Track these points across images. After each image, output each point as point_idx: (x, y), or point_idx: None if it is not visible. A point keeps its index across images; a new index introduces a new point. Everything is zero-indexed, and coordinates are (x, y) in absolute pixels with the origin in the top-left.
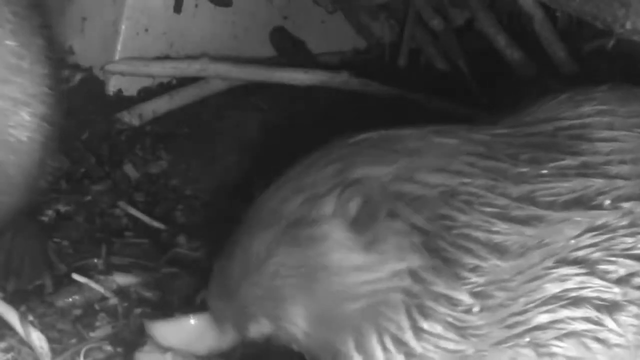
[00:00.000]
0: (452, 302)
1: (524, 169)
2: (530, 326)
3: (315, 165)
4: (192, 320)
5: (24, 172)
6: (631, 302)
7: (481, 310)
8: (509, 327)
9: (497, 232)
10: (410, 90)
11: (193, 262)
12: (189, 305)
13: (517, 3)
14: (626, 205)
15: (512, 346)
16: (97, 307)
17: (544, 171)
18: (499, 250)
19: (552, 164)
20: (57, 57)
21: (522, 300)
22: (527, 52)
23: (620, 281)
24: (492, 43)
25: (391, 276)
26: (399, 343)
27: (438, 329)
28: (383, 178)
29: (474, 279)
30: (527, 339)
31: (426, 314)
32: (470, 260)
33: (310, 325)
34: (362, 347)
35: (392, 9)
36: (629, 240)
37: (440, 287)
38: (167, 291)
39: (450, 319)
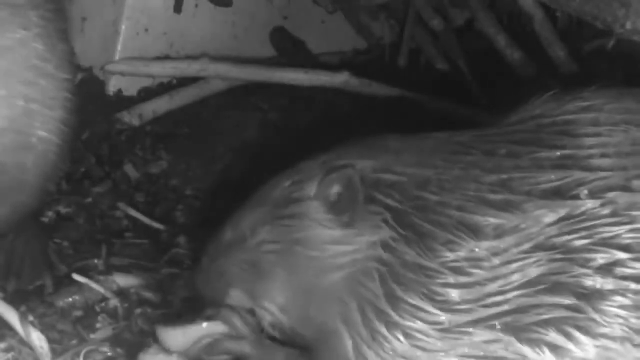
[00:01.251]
0: (426, 273)
1: (500, 162)
2: (508, 308)
3: (307, 158)
4: (204, 325)
5: (40, 174)
6: (614, 291)
7: (456, 285)
8: (487, 306)
9: (471, 212)
10: (410, 90)
11: (193, 263)
12: (189, 306)
13: (517, 3)
14: (608, 195)
15: (490, 326)
16: (97, 308)
17: (521, 163)
18: (473, 230)
19: (529, 156)
20: (76, 64)
21: (500, 281)
22: (527, 52)
23: (601, 269)
24: (492, 43)
25: (366, 247)
26: (378, 311)
27: (415, 299)
28: (363, 169)
29: (447, 253)
30: (507, 320)
31: (400, 282)
32: (443, 234)
33: (289, 300)
34: (345, 317)
35: (392, 9)
36: (611, 229)
37: (411, 256)
38: (168, 292)
39: (425, 290)
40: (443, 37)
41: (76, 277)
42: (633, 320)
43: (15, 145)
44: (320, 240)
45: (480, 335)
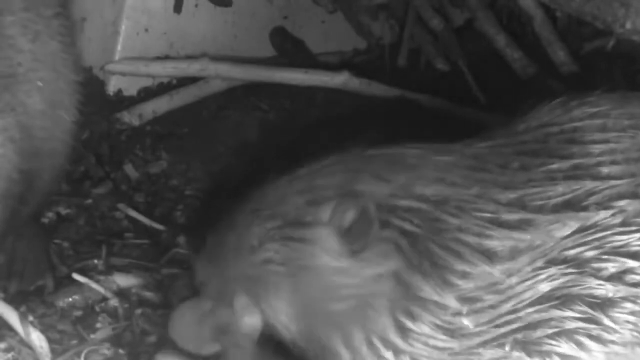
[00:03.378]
0: (440, 307)
1: (514, 177)
2: (520, 325)
3: (323, 172)
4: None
5: (55, 173)
6: (625, 298)
7: (469, 313)
8: (498, 326)
9: (489, 237)
10: (410, 90)
11: (193, 257)
12: None
13: (517, 3)
14: (618, 204)
15: (501, 344)
16: (97, 308)
17: (533, 176)
18: (489, 256)
19: (541, 169)
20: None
21: (513, 301)
22: (527, 52)
23: (613, 278)
24: (492, 43)
25: (372, 280)
26: (386, 342)
27: (425, 330)
28: (380, 194)
29: (463, 285)
30: (517, 337)
31: (413, 316)
32: (460, 267)
33: (293, 319)
34: (349, 344)
35: (392, 9)
36: (621, 238)
37: (427, 293)
38: (168, 292)
39: (438, 322)
40: (443, 37)
41: (76, 277)
42: None
43: (35, 151)
44: (327, 271)
45: (490, 354)
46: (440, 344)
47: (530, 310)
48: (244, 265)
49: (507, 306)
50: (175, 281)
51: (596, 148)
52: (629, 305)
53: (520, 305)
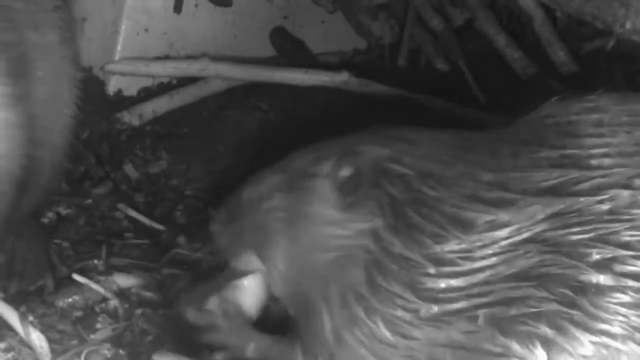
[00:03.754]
0: (409, 263)
1: (501, 161)
2: (493, 299)
3: (333, 139)
4: None
5: (54, 168)
6: (614, 288)
7: (439, 274)
8: (470, 296)
9: (465, 209)
10: (410, 90)
11: (194, 263)
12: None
13: (517, 3)
14: (608, 192)
15: (472, 317)
16: (97, 308)
17: (520, 162)
18: (464, 225)
19: (529, 155)
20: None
21: (487, 272)
22: (527, 52)
23: (599, 265)
24: (492, 43)
25: (357, 234)
26: (358, 296)
27: (395, 287)
28: (376, 156)
29: (434, 245)
30: (491, 312)
31: (384, 271)
32: (432, 228)
33: (287, 267)
34: (326, 297)
35: (392, 9)
36: (610, 225)
37: (397, 248)
38: (168, 292)
39: (407, 279)
40: (443, 37)
41: (76, 277)
42: (634, 319)
43: (37, 140)
44: (321, 219)
45: (461, 326)
46: (410, 306)
47: (504, 285)
48: (252, 215)
49: (481, 276)
50: (175, 282)
51: (590, 141)
52: (618, 295)
53: (494, 279)
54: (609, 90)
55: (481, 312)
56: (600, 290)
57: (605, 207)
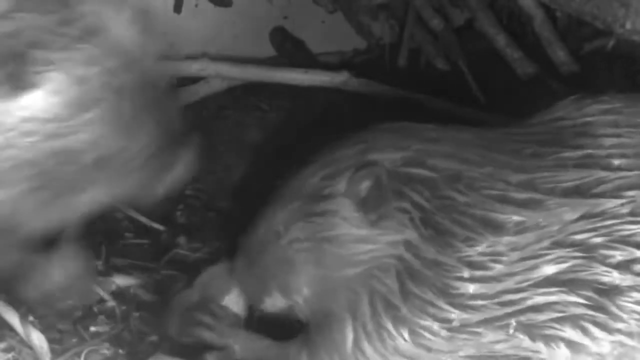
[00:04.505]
0: (442, 268)
1: (526, 161)
2: (524, 306)
3: (340, 147)
4: None
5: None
6: (632, 287)
7: (472, 278)
8: (503, 304)
9: (494, 211)
10: (410, 90)
11: (193, 264)
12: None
13: (517, 3)
14: (628, 194)
15: (504, 326)
16: (96, 309)
17: (544, 162)
18: (494, 227)
19: (552, 156)
20: None
21: (518, 277)
22: (527, 52)
23: (620, 266)
24: (492, 43)
25: (388, 246)
26: (388, 305)
27: (428, 293)
28: (395, 162)
29: (466, 248)
30: (521, 320)
31: (415, 278)
32: (463, 232)
33: (312, 290)
34: (353, 308)
35: (392, 9)
36: (630, 227)
37: (430, 254)
38: (168, 293)
39: (439, 284)
40: (443, 37)
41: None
42: None
43: None
44: (347, 239)
45: (490, 336)
46: (440, 314)
47: (536, 291)
48: (272, 253)
49: (512, 282)
50: (175, 283)
51: (607, 141)
52: (635, 294)
53: (525, 285)
54: (614, 91)
55: (513, 321)
56: (620, 290)
57: (625, 210)
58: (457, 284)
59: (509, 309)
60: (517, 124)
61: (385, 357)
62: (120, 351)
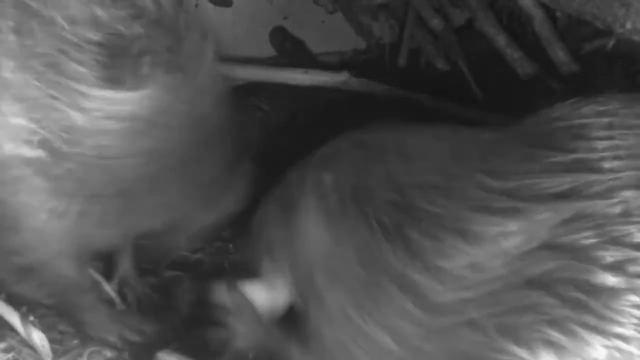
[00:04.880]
0: (412, 281)
1: (513, 166)
2: (504, 308)
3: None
4: None
5: None
6: (628, 290)
7: (446, 289)
8: (479, 306)
9: (471, 222)
10: (410, 90)
11: (194, 264)
12: (196, 311)
13: (517, 3)
14: (620, 194)
15: (483, 328)
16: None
17: (533, 167)
18: (470, 237)
19: (542, 161)
20: None
21: (496, 283)
22: (527, 52)
23: (613, 267)
24: (492, 43)
25: (347, 250)
26: (360, 311)
27: (399, 301)
28: (362, 183)
29: (439, 262)
30: (502, 322)
31: (384, 290)
32: (436, 246)
33: (292, 284)
34: (326, 312)
35: (392, 9)
36: (623, 227)
37: (399, 267)
38: (172, 295)
39: (410, 296)
40: (443, 37)
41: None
42: None
43: None
44: (308, 233)
45: (471, 337)
46: (416, 319)
47: (514, 294)
48: (264, 235)
49: (489, 287)
50: (179, 284)
51: (600, 144)
52: (632, 297)
53: (505, 288)
54: (614, 92)
55: (492, 322)
56: (613, 292)
57: (617, 210)
58: (431, 295)
59: (487, 311)
60: (513, 125)
61: (371, 355)
62: (124, 353)
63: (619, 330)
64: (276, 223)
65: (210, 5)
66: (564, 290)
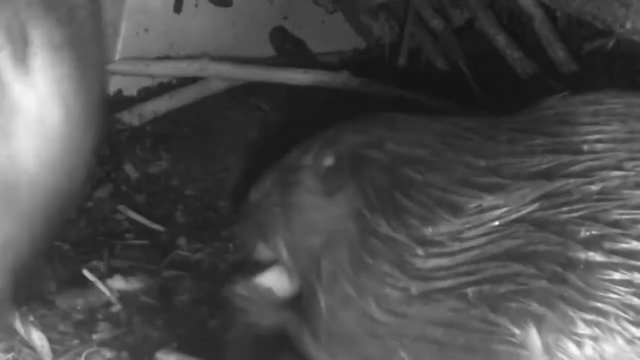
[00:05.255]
0: (397, 244)
1: (497, 147)
2: (481, 276)
3: (323, 130)
4: None
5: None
6: (604, 265)
7: (427, 254)
8: (459, 275)
9: (455, 193)
10: (410, 90)
11: (195, 264)
12: (197, 309)
13: (517, 3)
14: (599, 174)
15: (462, 295)
16: (99, 311)
17: (516, 149)
18: (453, 208)
19: (525, 142)
20: None
21: (476, 251)
22: (527, 52)
23: (588, 242)
24: (492, 43)
25: (340, 217)
26: (348, 276)
27: (384, 265)
28: (354, 143)
29: (422, 227)
30: (481, 290)
31: (371, 252)
32: (420, 211)
33: (289, 253)
34: (320, 278)
35: (392, 9)
36: (599, 204)
37: (384, 229)
38: (171, 295)
39: (394, 259)
40: (443, 37)
41: (86, 273)
42: (627, 297)
43: None
44: (306, 206)
45: (451, 304)
46: (398, 284)
47: (493, 263)
48: (259, 213)
49: (469, 255)
50: (180, 283)
51: (583, 129)
52: (608, 272)
53: (482, 257)
54: (607, 89)
55: (470, 290)
56: (590, 266)
57: (595, 187)
58: (413, 259)
59: (465, 279)
60: (504, 115)
61: (358, 321)
62: (123, 352)
63: (598, 305)
64: (272, 206)
65: (210, 5)
66: (541, 262)
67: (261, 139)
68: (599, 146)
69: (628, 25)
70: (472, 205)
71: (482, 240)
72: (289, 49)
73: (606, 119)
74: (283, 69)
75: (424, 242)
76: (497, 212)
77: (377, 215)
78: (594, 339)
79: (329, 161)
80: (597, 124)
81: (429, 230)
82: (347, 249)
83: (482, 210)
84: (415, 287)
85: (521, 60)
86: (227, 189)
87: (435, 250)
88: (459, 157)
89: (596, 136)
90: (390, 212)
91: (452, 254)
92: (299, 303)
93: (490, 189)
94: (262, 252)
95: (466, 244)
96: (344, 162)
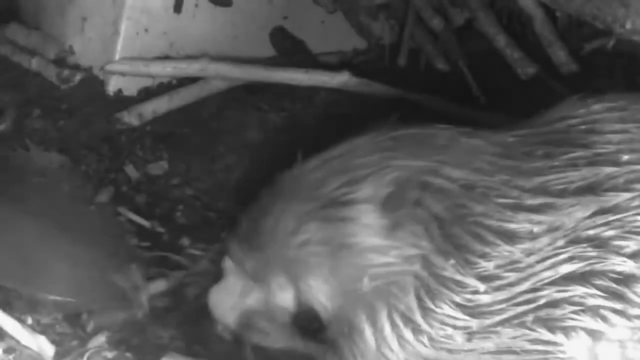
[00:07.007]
0: (460, 285)
1: (538, 164)
2: (541, 303)
3: (357, 152)
4: None
5: None
6: None
7: (488, 290)
8: (518, 304)
9: (509, 221)
10: (410, 90)
11: (196, 265)
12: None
13: (517, 3)
14: (637, 187)
15: (521, 323)
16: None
17: (556, 163)
18: (509, 236)
19: (563, 157)
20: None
21: (533, 279)
22: (527, 52)
23: (635, 255)
24: (492, 43)
25: (404, 261)
26: (407, 320)
27: (446, 308)
28: (415, 170)
29: (483, 263)
30: (539, 315)
31: (434, 296)
32: (480, 247)
33: (328, 298)
34: (372, 321)
35: (392, 9)
36: (638, 219)
37: (449, 272)
38: (176, 295)
39: (458, 300)
40: (443, 37)
41: (117, 279)
42: None
43: None
44: (365, 248)
45: (509, 333)
46: (459, 323)
47: (552, 289)
48: (281, 247)
49: (527, 284)
50: (185, 285)
51: (615, 137)
52: None
53: (540, 284)
54: (614, 91)
55: (529, 318)
56: (636, 278)
57: (636, 202)
58: (475, 297)
59: (524, 307)
60: (523, 125)
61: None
62: (127, 354)
63: (638, 312)
64: (311, 245)
65: (210, 5)
66: (595, 280)
67: (261, 139)
68: (634, 156)
69: (628, 25)
70: (527, 230)
71: (539, 267)
72: (289, 49)
73: (634, 127)
74: (283, 69)
75: (485, 278)
76: (551, 235)
77: (442, 258)
78: (638, 342)
79: (387, 191)
80: (626, 131)
81: (490, 265)
82: (411, 295)
83: (536, 235)
84: (475, 325)
85: (521, 60)
86: (227, 189)
87: (496, 283)
88: (507, 178)
89: (629, 146)
90: (453, 253)
91: (510, 285)
92: (320, 333)
93: (540, 210)
94: (279, 286)
95: (523, 274)
96: (405, 192)
